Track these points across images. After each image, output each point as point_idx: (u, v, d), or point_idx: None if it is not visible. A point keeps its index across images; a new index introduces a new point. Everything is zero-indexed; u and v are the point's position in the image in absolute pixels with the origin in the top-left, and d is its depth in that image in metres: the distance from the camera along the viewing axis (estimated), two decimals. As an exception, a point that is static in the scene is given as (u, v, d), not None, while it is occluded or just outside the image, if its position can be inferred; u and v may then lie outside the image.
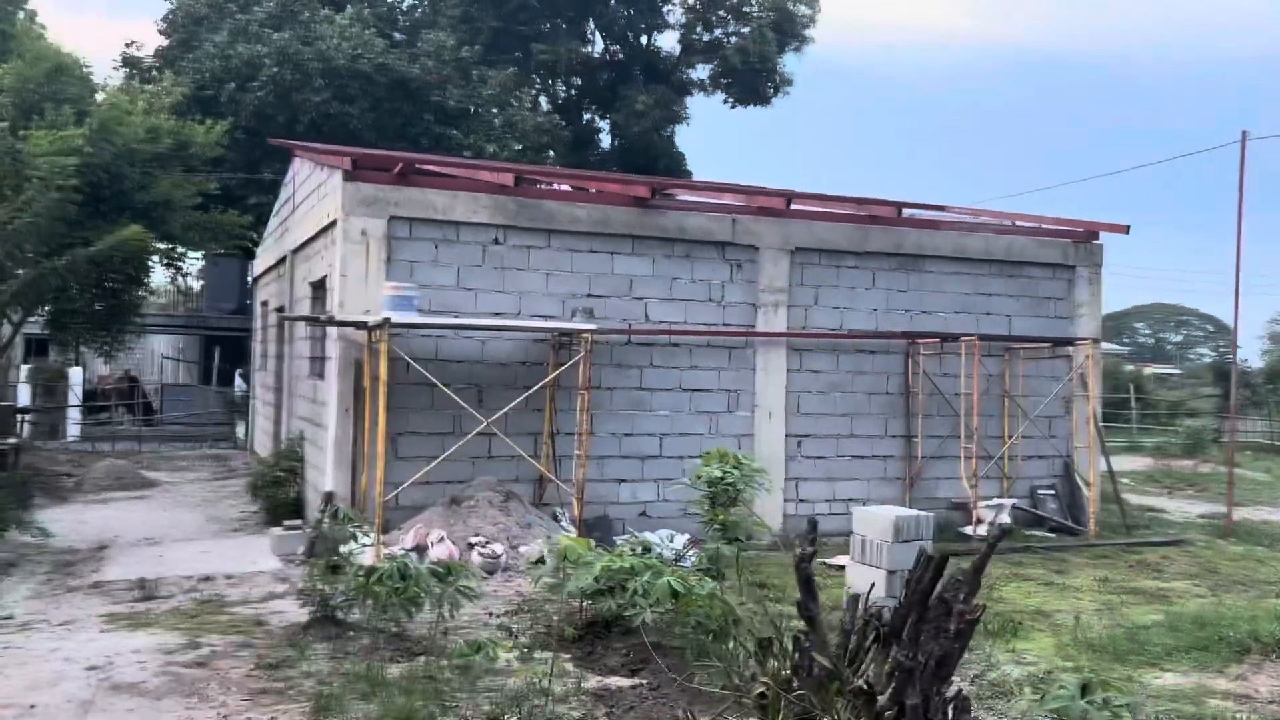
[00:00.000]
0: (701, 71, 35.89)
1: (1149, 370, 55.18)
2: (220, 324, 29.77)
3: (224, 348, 28.43)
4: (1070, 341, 13.88)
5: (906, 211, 13.90)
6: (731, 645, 5.53)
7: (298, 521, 11.90)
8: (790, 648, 3.76)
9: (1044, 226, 14.79)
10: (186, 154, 16.06)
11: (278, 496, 13.35)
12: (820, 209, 13.67)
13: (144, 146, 14.46)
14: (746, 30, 33.17)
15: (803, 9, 34.43)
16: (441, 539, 10.48)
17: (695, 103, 37.06)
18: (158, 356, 36.01)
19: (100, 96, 15.86)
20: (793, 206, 13.24)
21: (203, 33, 29.77)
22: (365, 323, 10.62)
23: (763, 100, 34.97)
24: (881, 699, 3.18)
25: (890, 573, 8.98)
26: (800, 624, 3.97)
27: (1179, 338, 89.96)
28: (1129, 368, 49.23)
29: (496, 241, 11.97)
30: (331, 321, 10.92)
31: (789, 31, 34.16)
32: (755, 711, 3.74)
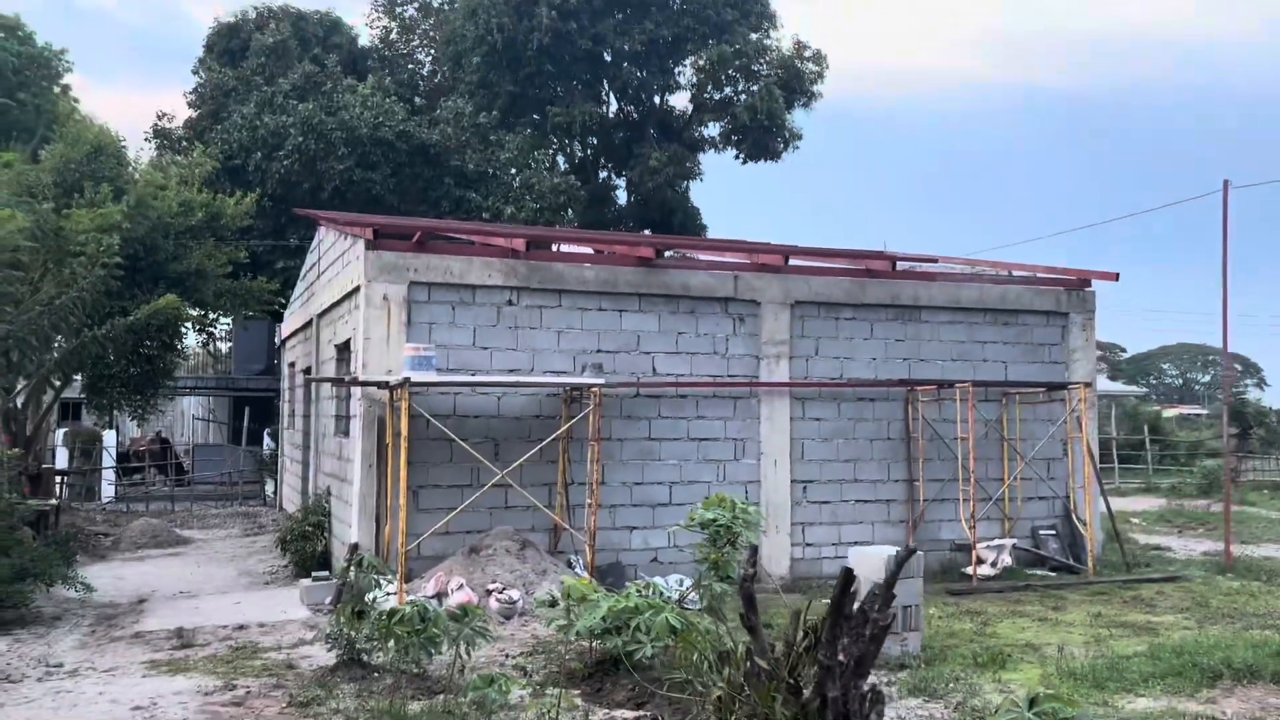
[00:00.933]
0: (713, 129, 36.80)
1: (1174, 411, 55.21)
2: (249, 384, 30.64)
3: (253, 408, 29.25)
4: (1064, 386, 14.37)
5: (901, 264, 14.49)
6: (696, 658, 6.06)
7: (325, 573, 12.50)
8: (743, 657, 4.31)
9: (1038, 275, 15.35)
10: (217, 225, 16.94)
11: (306, 550, 13.95)
12: (818, 264, 14.29)
13: (177, 220, 15.34)
14: (755, 89, 34.07)
15: (810, 66, 35.31)
16: (461, 586, 11.04)
17: (708, 158, 38.05)
18: (188, 417, 36.95)
19: (135, 172, 16.76)
20: (791, 262, 13.88)
21: (231, 104, 30.97)
22: (387, 383, 11.29)
23: (773, 155, 35.77)
24: (806, 693, 3.67)
25: (884, 610, 9.49)
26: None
27: (1206, 377, 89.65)
28: (1155, 408, 49.36)
29: (510, 302, 12.65)
30: (355, 382, 11.61)
31: (797, 89, 35.03)
32: (714, 713, 4.28)
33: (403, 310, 12.15)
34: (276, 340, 34.32)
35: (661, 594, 11.80)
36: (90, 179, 15.02)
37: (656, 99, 37.43)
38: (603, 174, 38.81)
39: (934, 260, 14.60)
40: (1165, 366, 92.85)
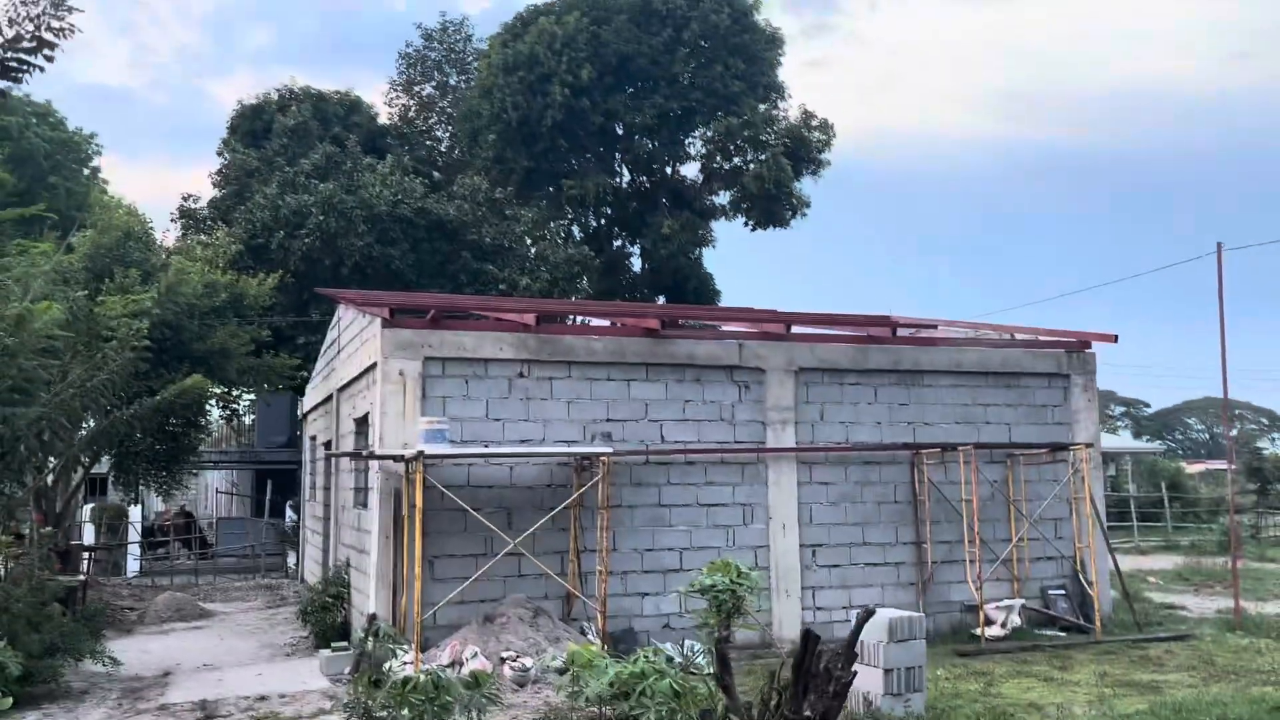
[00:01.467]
0: (723, 197, 37.53)
1: (1199, 467, 54.86)
2: (271, 457, 31.09)
3: (275, 480, 29.68)
4: (1066, 446, 14.60)
5: (901, 330, 14.85)
6: (680, 717, 6.33)
7: (345, 643, 12.78)
8: (721, 715, 4.60)
9: (1039, 339, 15.67)
10: (241, 305, 17.55)
11: (326, 621, 14.24)
12: (821, 331, 14.67)
13: (202, 301, 15.94)
14: (763, 158, 34.82)
15: (817, 135, 36.08)
16: (475, 654, 11.30)
17: (720, 226, 38.65)
18: (211, 490, 37.42)
19: (164, 256, 17.44)
20: (794, 329, 14.28)
21: (254, 184, 31.90)
22: (403, 456, 11.68)
23: (781, 223, 36.39)
24: None
25: (887, 671, 9.68)
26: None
27: (1233, 432, 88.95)
28: (1178, 464, 49.12)
29: (521, 375, 13.07)
30: (373, 456, 12.01)
31: (804, 157, 35.76)
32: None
33: (418, 385, 12.58)
34: (298, 413, 34.91)
35: (669, 659, 12.02)
36: (120, 264, 15.67)
37: (668, 169, 38.26)
38: (617, 242, 39.56)
39: (934, 326, 14.98)
40: (1190, 421, 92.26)
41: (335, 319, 17.98)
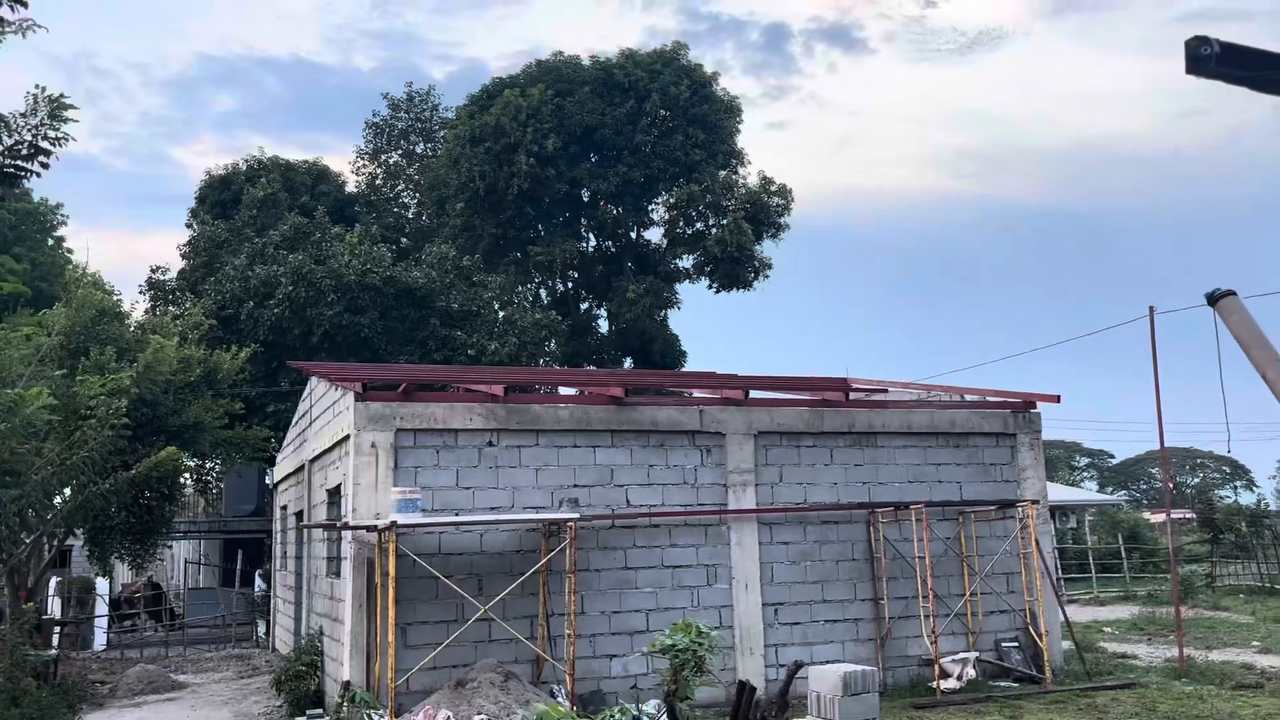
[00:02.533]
0: (687, 261, 38.40)
1: (1161, 516, 55.79)
2: (240, 527, 31.19)
3: (245, 550, 29.76)
4: (1014, 503, 15.24)
5: (854, 394, 15.50)
6: None
7: (319, 711, 13.06)
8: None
9: (986, 399, 16.37)
10: (214, 379, 17.95)
11: (300, 689, 14.49)
12: (778, 395, 15.29)
13: (177, 376, 16.33)
14: (725, 223, 35.78)
15: (776, 200, 37.13)
16: (448, 718, 11.64)
17: (684, 288, 39.56)
18: (179, 561, 37.28)
19: (139, 332, 17.81)
20: (752, 395, 14.88)
21: (223, 255, 32.34)
22: (376, 526, 12.10)
23: (744, 284, 37.28)
24: None
25: (843, 724, 10.15)
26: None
27: (1196, 480, 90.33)
28: (1141, 514, 49.96)
29: (490, 444, 13.56)
30: (346, 526, 12.41)
31: (764, 221, 36.76)
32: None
33: (390, 456, 13.03)
34: (268, 482, 34.99)
35: (635, 718, 12.40)
36: (96, 341, 16.05)
37: (633, 234, 39.14)
38: (584, 305, 40.27)
39: (885, 390, 15.64)
40: (1153, 471, 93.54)
41: (307, 390, 18.40)
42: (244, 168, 38.38)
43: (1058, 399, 15.87)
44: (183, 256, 35.72)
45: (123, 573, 35.91)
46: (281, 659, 19.82)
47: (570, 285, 40.15)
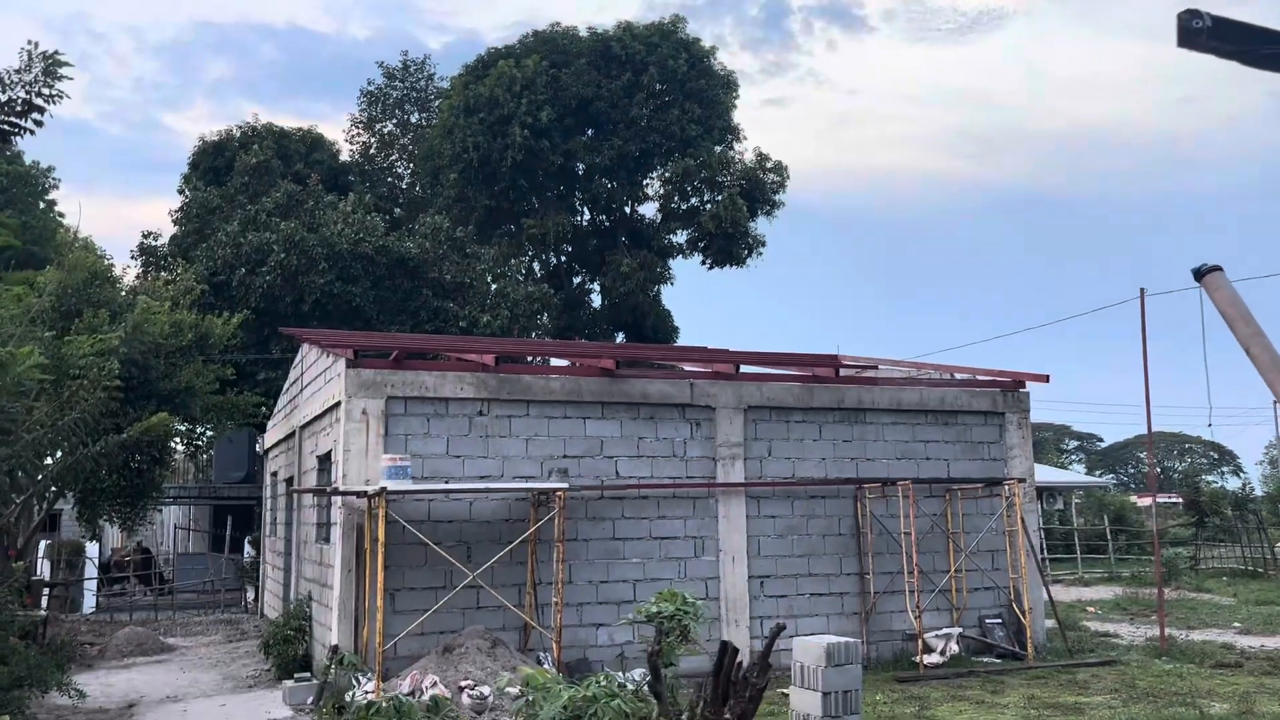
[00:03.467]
0: (681, 236, 38.36)
1: (1149, 500, 56.18)
2: (230, 493, 31.25)
3: (235, 516, 29.84)
4: (1000, 481, 15.35)
5: (845, 370, 15.55)
6: None
7: (307, 674, 13.15)
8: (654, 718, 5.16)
9: (976, 378, 16.45)
10: (206, 344, 17.94)
11: (288, 653, 14.58)
12: (768, 371, 15.35)
13: (169, 340, 16.32)
14: (720, 199, 35.73)
15: (771, 177, 37.06)
16: (435, 683, 11.74)
17: (678, 264, 39.45)
18: (169, 526, 37.36)
19: (130, 295, 17.79)
20: (743, 369, 14.93)
21: (215, 221, 32.24)
22: (365, 492, 12.15)
23: (738, 261, 37.28)
24: None
25: (825, 694, 10.24)
26: None
27: (1184, 465, 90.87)
28: (1127, 497, 50.29)
29: (481, 413, 13.60)
30: (336, 492, 12.46)
31: (759, 198, 36.70)
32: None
33: (380, 423, 13.06)
34: (258, 449, 35.02)
35: (621, 685, 12.50)
36: (88, 304, 16.02)
37: (627, 208, 39.06)
38: (577, 279, 40.24)
39: (875, 366, 15.71)
40: (1141, 455, 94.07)
41: (299, 357, 18.40)
42: (238, 134, 38.16)
43: (1046, 379, 15.96)
44: (175, 222, 35.61)
45: (112, 537, 35.99)
46: (270, 624, 19.93)
47: (563, 259, 40.10)
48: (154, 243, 34.13)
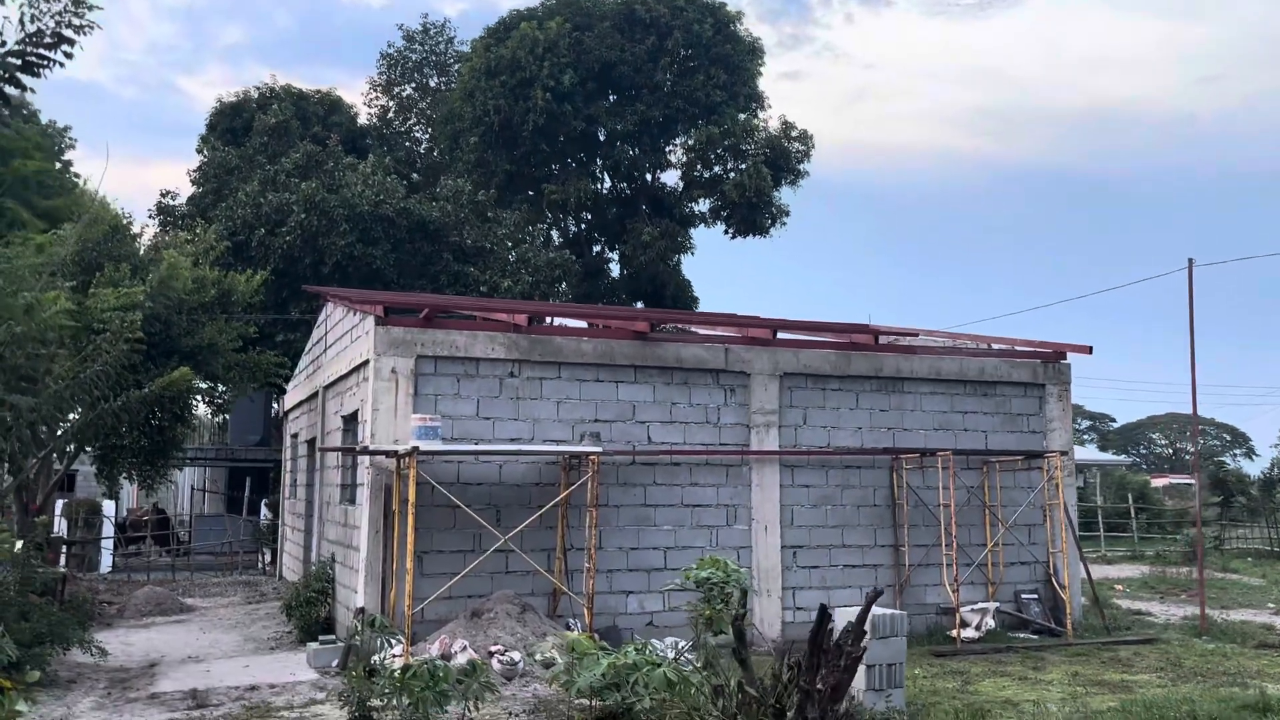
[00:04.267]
0: (703, 205, 37.86)
1: (1163, 481, 55.73)
2: (247, 456, 31.06)
3: (252, 479, 29.67)
4: (1041, 454, 14.97)
5: (883, 338, 15.16)
6: (694, 693, 6.56)
7: (332, 636, 12.90)
8: (735, 689, 4.85)
9: (1015, 349, 16.04)
10: (228, 301, 17.62)
11: (311, 615, 14.35)
12: (805, 338, 14.97)
13: (191, 296, 16.01)
14: (744, 167, 35.20)
15: (796, 146, 36.49)
16: (464, 648, 11.47)
17: (699, 233, 38.98)
18: (184, 488, 37.26)
19: (152, 250, 17.50)
20: (779, 336, 14.55)
21: (233, 182, 31.88)
22: (396, 451, 11.84)
23: (761, 231, 36.81)
24: (790, 715, 4.17)
25: (869, 667, 9.95)
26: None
27: (1195, 447, 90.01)
28: (1144, 477, 49.87)
29: (512, 375, 13.27)
30: (366, 451, 12.15)
31: (784, 167, 36.16)
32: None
33: (410, 383, 12.74)
34: (274, 412, 34.81)
35: (659, 652, 12.26)
36: (109, 258, 15.71)
37: (648, 176, 38.57)
38: (595, 248, 39.82)
39: (915, 334, 15.30)
40: (1155, 436, 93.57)
41: (322, 316, 18.09)
42: (255, 96, 37.74)
43: (1089, 349, 15.55)
44: (193, 183, 35.24)
45: (128, 497, 35.91)
46: (291, 586, 19.74)
47: (583, 227, 39.66)
48: (171, 202, 33.81)
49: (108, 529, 25.72)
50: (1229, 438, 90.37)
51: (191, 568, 23.84)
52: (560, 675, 9.19)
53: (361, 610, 12.27)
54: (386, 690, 8.51)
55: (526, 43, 34.51)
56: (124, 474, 17.21)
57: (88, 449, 16.87)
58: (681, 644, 12.71)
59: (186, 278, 15.67)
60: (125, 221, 19.67)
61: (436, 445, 12.00)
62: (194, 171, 35.25)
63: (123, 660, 13.19)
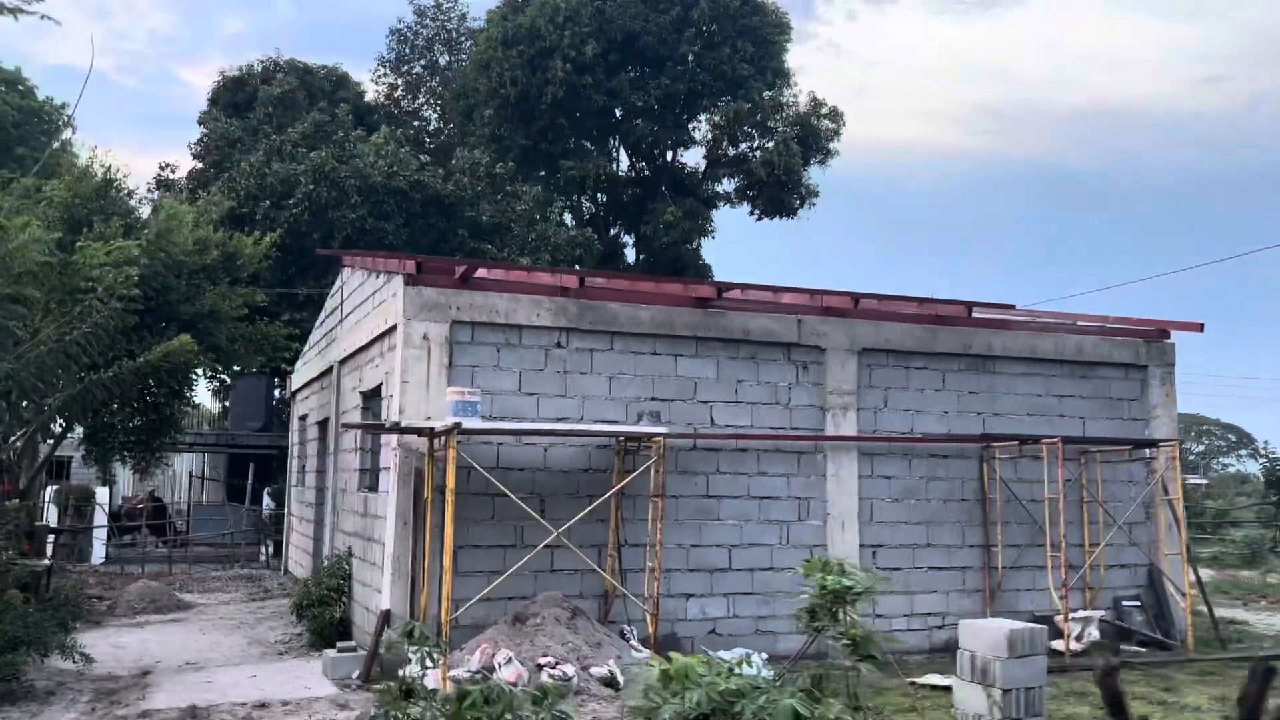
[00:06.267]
0: (727, 185, 36.14)
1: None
2: (249, 441, 29.40)
3: (254, 466, 27.98)
4: (1154, 443, 13.31)
5: (976, 311, 13.48)
6: None
7: (351, 643, 11.24)
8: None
9: (1111, 326, 14.38)
10: (233, 266, 15.88)
11: (324, 617, 12.72)
12: (886, 309, 13.30)
13: (191, 258, 14.28)
14: (771, 145, 33.48)
15: (826, 124, 34.76)
16: (510, 660, 9.83)
17: (719, 215, 37.14)
18: (181, 475, 35.54)
19: (152, 205, 15.78)
20: (860, 306, 12.88)
21: (236, 155, 30.16)
22: (432, 429, 10.17)
23: (789, 212, 35.09)
24: None
25: (1005, 691, 8.31)
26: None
27: (1200, 447, 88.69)
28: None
29: (559, 344, 11.61)
30: (397, 429, 10.46)
31: (813, 146, 34.44)
32: None
33: (444, 351, 11.08)
34: (275, 396, 33.09)
35: (730, 669, 10.60)
36: (99, 214, 14.00)
37: (669, 154, 36.83)
38: (612, 230, 38.08)
39: (1012, 307, 13.56)
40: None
41: (337, 285, 16.39)
42: (259, 69, 35.94)
43: (1200, 327, 13.88)
44: (194, 156, 33.54)
45: (124, 484, 34.19)
46: (298, 582, 18.08)
47: (599, 209, 37.94)
48: (171, 175, 32.11)
49: (100, 517, 24.05)
50: (1234, 438, 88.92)
51: (189, 560, 22.15)
52: (640, 701, 7.50)
53: (387, 614, 10.61)
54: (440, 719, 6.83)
55: (547, 10, 32.75)
56: (116, 456, 15.47)
57: (78, 426, 15.16)
58: (755, 656, 11.08)
59: (187, 235, 13.94)
60: (120, 176, 17.75)
61: (476, 423, 10.32)
62: (195, 145, 33.53)
63: (111, 666, 11.55)
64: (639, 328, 11.91)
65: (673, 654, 7.65)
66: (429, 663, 8.57)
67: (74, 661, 10.47)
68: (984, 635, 8.46)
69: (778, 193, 34.25)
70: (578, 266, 32.04)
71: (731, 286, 12.26)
